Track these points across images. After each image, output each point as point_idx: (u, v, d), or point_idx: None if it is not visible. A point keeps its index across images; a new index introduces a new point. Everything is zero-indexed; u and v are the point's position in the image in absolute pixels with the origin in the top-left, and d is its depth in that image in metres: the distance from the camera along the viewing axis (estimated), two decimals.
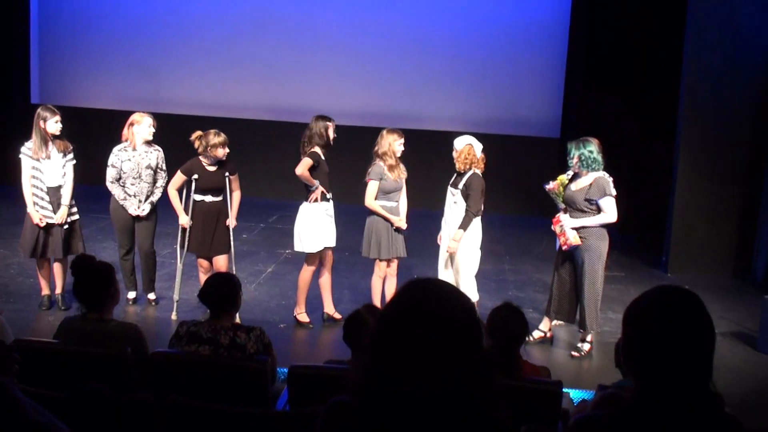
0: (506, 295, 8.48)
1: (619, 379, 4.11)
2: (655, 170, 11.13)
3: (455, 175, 7.13)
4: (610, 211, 6.64)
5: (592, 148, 6.67)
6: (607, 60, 12.19)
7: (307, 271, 7.36)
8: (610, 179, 6.68)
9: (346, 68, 13.33)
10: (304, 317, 7.42)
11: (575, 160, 6.69)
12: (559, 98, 13.12)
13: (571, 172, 6.85)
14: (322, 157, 7.16)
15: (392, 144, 7.12)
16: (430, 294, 1.80)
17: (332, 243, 7.32)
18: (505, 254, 10.39)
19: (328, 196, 7.23)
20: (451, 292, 1.84)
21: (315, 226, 7.19)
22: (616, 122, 11.92)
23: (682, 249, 9.98)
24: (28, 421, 2.29)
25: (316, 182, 7.17)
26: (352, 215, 7.81)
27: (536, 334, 7.19)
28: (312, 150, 7.12)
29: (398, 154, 7.17)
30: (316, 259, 7.32)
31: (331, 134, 7.17)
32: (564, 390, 4.25)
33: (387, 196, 7.17)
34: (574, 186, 6.77)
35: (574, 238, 6.66)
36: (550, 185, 6.89)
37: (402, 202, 7.27)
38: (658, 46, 11.26)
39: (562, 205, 6.82)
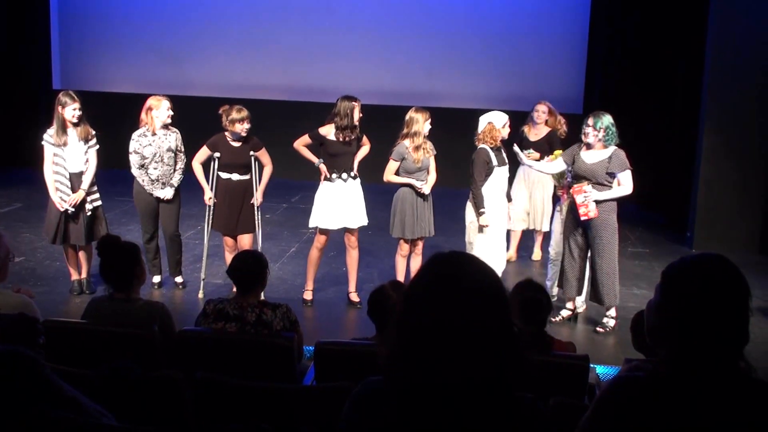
0: (530, 272, 8.47)
1: (643, 359, 4.10)
2: (680, 145, 11.03)
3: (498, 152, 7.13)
4: (628, 184, 6.66)
5: (612, 121, 6.68)
6: (630, 34, 12.09)
7: (312, 249, 7.42)
8: None
9: (366, 47, 13.30)
10: (306, 294, 7.45)
11: (601, 132, 6.63)
12: (581, 74, 13.03)
13: (576, 146, 6.86)
14: (331, 137, 7.13)
15: (422, 124, 7.06)
16: (456, 268, 1.76)
17: (329, 225, 7.23)
18: (530, 230, 10.34)
19: (331, 176, 7.17)
20: (478, 265, 1.80)
21: (316, 203, 7.27)
22: (639, 97, 11.82)
23: (707, 225, 9.89)
24: (59, 396, 2.32)
25: (316, 160, 7.22)
26: (376, 194, 7.81)
27: (564, 313, 7.17)
28: (319, 128, 7.17)
29: (426, 134, 7.13)
30: (321, 237, 7.32)
31: (357, 115, 7.10)
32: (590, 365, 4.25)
33: (411, 176, 7.14)
34: (589, 159, 6.72)
35: (594, 211, 6.63)
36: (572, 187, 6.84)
37: (429, 180, 7.21)
38: (682, 19, 11.11)
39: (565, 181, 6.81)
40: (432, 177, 7.24)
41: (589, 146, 6.74)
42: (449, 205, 8.66)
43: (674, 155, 11.23)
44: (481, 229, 7.07)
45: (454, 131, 10.72)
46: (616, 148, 6.66)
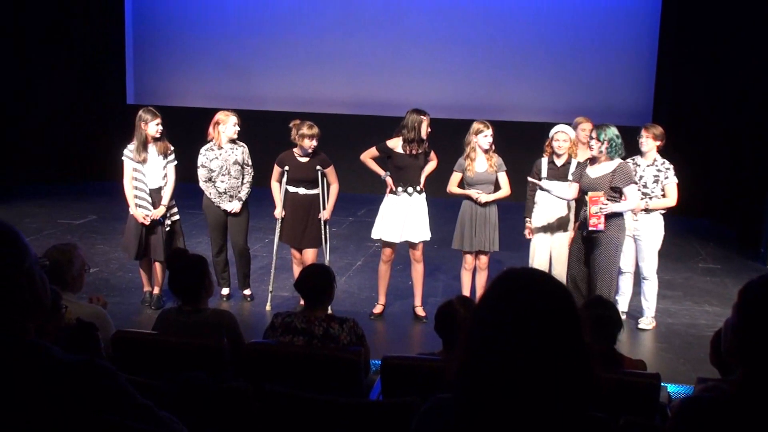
0: None
1: (718, 378, 4.01)
2: (752, 157, 10.77)
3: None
4: (633, 198, 6.55)
5: (618, 134, 6.55)
6: (701, 44, 11.83)
7: (380, 263, 7.47)
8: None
9: (432, 60, 13.30)
10: (376, 308, 7.49)
11: (605, 144, 6.49)
12: (650, 85, 12.82)
13: (582, 164, 6.81)
14: (399, 150, 7.16)
15: (472, 135, 7.11)
16: (526, 284, 1.74)
17: (390, 238, 7.26)
18: None
19: (396, 190, 7.19)
20: (549, 282, 1.78)
21: (380, 215, 7.32)
22: (710, 108, 11.59)
23: None
24: (133, 405, 2.36)
25: (383, 173, 7.25)
26: (443, 209, 7.81)
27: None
28: (387, 140, 7.23)
29: (484, 147, 7.10)
30: (387, 250, 7.35)
31: (424, 129, 7.10)
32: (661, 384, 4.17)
33: (472, 188, 7.17)
34: (593, 173, 6.62)
35: (603, 224, 6.43)
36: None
37: (496, 194, 7.17)
38: (754, 28, 10.87)
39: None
40: (502, 191, 7.21)
41: (593, 161, 6.65)
42: (516, 219, 8.59)
43: (747, 168, 10.97)
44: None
45: (521, 145, 10.66)
46: (620, 161, 6.57)
